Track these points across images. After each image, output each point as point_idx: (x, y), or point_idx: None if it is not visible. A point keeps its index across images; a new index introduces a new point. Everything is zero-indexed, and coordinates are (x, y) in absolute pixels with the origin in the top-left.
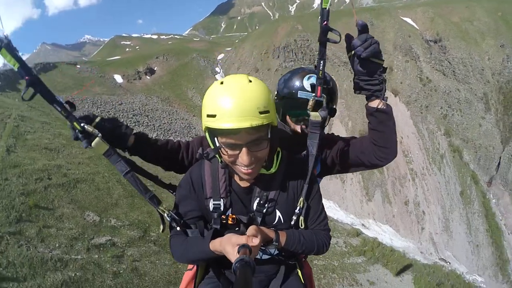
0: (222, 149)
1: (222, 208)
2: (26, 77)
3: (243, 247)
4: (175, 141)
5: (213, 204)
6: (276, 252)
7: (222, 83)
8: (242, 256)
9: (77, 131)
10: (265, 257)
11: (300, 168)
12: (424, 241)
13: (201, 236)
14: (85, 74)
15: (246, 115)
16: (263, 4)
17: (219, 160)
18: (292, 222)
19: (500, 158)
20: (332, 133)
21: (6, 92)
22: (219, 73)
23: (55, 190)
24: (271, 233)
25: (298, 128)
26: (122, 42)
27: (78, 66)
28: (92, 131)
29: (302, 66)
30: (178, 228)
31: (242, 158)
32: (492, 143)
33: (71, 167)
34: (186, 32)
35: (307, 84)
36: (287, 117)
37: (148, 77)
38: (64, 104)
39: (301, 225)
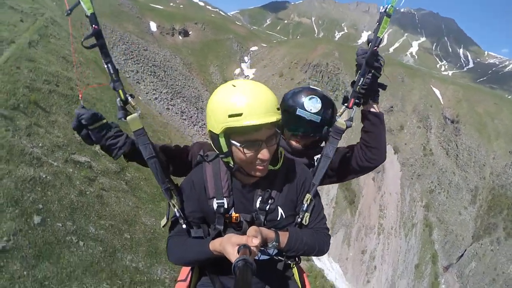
0: (239, 149)
1: (226, 207)
2: (94, 26)
3: (243, 247)
4: (172, 146)
5: (217, 203)
6: (275, 252)
7: (234, 86)
8: (243, 256)
9: (119, 99)
10: (263, 257)
11: (300, 167)
12: None
13: (204, 236)
14: (125, 9)
15: (269, 111)
16: (313, 19)
17: (232, 164)
18: (299, 220)
19: (465, 250)
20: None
21: None
22: (246, 62)
23: (58, 97)
24: (271, 234)
25: (293, 142)
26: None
27: None
28: (134, 106)
29: (316, 87)
30: (184, 226)
31: (263, 154)
32: (464, 234)
33: (80, 84)
34: (231, 13)
35: (308, 104)
36: (285, 129)
37: (181, 38)
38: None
39: (305, 222)
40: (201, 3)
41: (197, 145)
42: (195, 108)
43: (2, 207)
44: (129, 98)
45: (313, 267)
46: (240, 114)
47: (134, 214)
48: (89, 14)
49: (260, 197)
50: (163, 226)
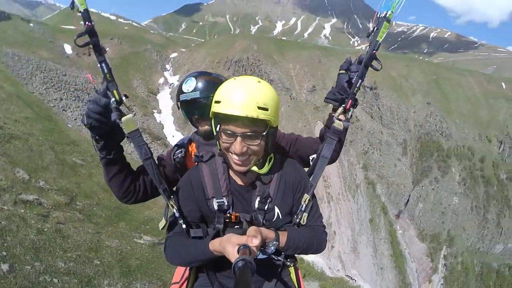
0: (221, 134)
1: (225, 206)
2: (88, 23)
3: (243, 247)
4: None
5: (217, 202)
6: (273, 251)
7: (235, 79)
8: (243, 256)
9: (113, 100)
10: (261, 257)
11: (295, 167)
12: (333, 258)
13: (203, 237)
14: (37, 35)
15: (244, 105)
16: (227, 17)
17: (218, 147)
18: (297, 220)
19: (409, 196)
20: (291, 132)
21: None
22: (169, 70)
23: None
24: (270, 234)
25: (205, 127)
26: (78, 14)
27: (31, 24)
28: (129, 107)
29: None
30: (183, 226)
31: (235, 147)
32: (404, 182)
33: (7, 121)
34: (145, 22)
35: (184, 87)
36: (192, 120)
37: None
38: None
39: (303, 222)
40: (113, 17)
41: (167, 154)
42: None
43: None
44: (124, 99)
45: None
46: (219, 102)
47: (97, 240)
48: (82, 10)
49: (258, 197)
50: (161, 228)
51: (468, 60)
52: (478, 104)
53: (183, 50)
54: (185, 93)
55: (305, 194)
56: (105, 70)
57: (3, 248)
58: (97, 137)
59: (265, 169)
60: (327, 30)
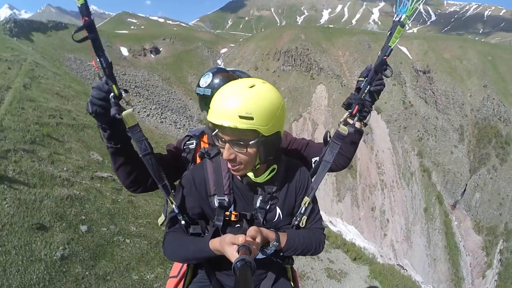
0: (215, 138)
1: (226, 203)
2: (86, 18)
3: (243, 247)
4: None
5: (218, 199)
6: (271, 252)
7: (228, 84)
8: (242, 256)
9: (112, 95)
10: (259, 256)
11: (300, 169)
12: (385, 246)
13: (202, 234)
14: None
15: (224, 114)
16: (272, 10)
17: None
18: (296, 222)
19: (466, 185)
20: (296, 137)
21: (20, 39)
22: (220, 65)
23: (65, 128)
24: (271, 234)
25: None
26: (128, 19)
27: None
28: (128, 101)
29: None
30: (183, 222)
31: (224, 153)
32: (461, 170)
33: (79, 114)
34: (192, 22)
35: (201, 81)
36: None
37: (153, 56)
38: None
39: (302, 225)
40: (161, 20)
41: (178, 142)
42: (185, 117)
43: (50, 223)
44: (123, 93)
45: (330, 232)
46: (210, 108)
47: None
48: (79, 5)
49: (261, 197)
50: (160, 224)
51: None
52: None
53: (232, 45)
54: (200, 87)
55: (306, 197)
56: (104, 65)
57: (82, 213)
58: (103, 125)
59: (261, 179)
60: (375, 15)
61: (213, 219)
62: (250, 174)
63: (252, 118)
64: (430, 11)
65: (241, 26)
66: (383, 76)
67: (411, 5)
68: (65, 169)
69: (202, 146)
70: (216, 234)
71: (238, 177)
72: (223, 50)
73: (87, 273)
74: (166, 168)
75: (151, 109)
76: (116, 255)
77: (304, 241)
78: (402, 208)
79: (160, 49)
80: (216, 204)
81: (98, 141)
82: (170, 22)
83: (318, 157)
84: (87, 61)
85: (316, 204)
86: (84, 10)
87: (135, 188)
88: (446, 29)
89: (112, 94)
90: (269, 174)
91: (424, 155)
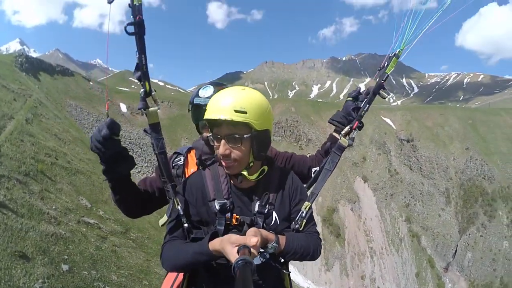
0: (212, 139)
1: (227, 207)
2: (139, 16)
3: (243, 247)
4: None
5: (219, 203)
6: (270, 252)
7: (226, 88)
8: (243, 256)
9: (142, 90)
10: (257, 262)
11: (292, 175)
12: None
13: (204, 238)
14: (96, 92)
15: (220, 109)
16: (266, 83)
17: (215, 152)
18: (297, 226)
19: (457, 246)
20: (280, 151)
21: (29, 76)
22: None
23: (59, 169)
24: (270, 235)
25: (206, 133)
26: (130, 78)
27: (91, 83)
28: (156, 100)
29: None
30: (186, 225)
31: (219, 149)
32: (450, 232)
33: (74, 158)
34: (190, 89)
35: (201, 92)
36: (199, 126)
37: None
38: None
39: (301, 228)
40: (161, 83)
41: (143, 181)
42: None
43: (32, 254)
44: (153, 92)
45: None
46: (206, 109)
47: (147, 266)
48: (137, 3)
49: (259, 201)
50: (162, 225)
51: (505, 99)
52: None
53: None
54: (200, 97)
55: (306, 202)
56: (143, 61)
57: (65, 253)
58: (100, 161)
59: (253, 177)
60: (362, 90)
61: (213, 224)
62: (244, 172)
63: (246, 112)
64: (413, 84)
65: None
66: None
67: (405, 41)
68: (53, 207)
69: (189, 162)
70: (215, 237)
71: (235, 178)
72: None
73: None
74: (157, 191)
75: (142, 166)
76: None
77: (303, 244)
78: (393, 274)
79: (158, 110)
80: (217, 207)
81: (89, 188)
82: (169, 86)
83: (318, 167)
84: (87, 110)
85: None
86: (140, 9)
87: (134, 215)
88: (428, 99)
89: (142, 90)
90: (260, 173)
91: (412, 220)
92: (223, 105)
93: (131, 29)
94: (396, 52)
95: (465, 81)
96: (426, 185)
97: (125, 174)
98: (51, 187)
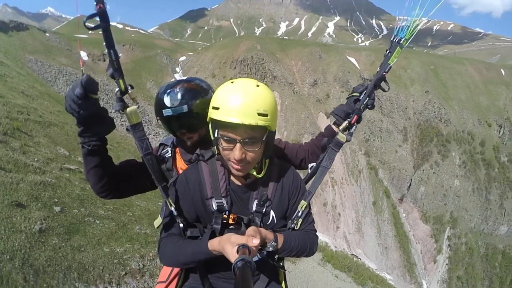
0: (219, 140)
1: (225, 207)
2: (100, 5)
3: (243, 247)
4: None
5: (217, 202)
6: (268, 250)
7: (232, 82)
8: (243, 256)
9: (117, 89)
10: (254, 258)
11: (292, 173)
12: (338, 238)
13: (200, 236)
14: (53, 43)
15: (245, 113)
16: (231, 20)
17: (216, 152)
18: (292, 225)
19: (411, 180)
20: (279, 138)
21: None
22: (179, 72)
23: (33, 124)
24: (269, 234)
25: (186, 139)
26: (86, 24)
27: (47, 34)
28: (134, 98)
29: (181, 78)
30: (181, 225)
31: (234, 153)
32: (405, 167)
33: (45, 112)
34: (151, 30)
35: (167, 100)
36: (175, 132)
37: None
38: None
39: (297, 227)
40: (120, 26)
41: (126, 161)
42: (144, 122)
43: (27, 202)
44: (129, 89)
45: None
46: (218, 108)
47: (129, 200)
48: None
49: (256, 200)
50: (157, 227)
51: (472, 50)
52: (477, 91)
53: (191, 53)
54: (169, 107)
55: (303, 201)
56: (113, 57)
57: (55, 197)
58: (77, 123)
59: (261, 174)
60: (330, 29)
61: (210, 223)
62: (254, 172)
63: (267, 115)
64: (383, 26)
65: (200, 35)
66: (381, 90)
67: (409, 31)
68: (35, 159)
69: (177, 156)
70: (213, 236)
71: (237, 177)
72: (181, 58)
73: (63, 244)
74: (136, 175)
75: (111, 112)
76: (88, 232)
77: (300, 242)
78: (352, 202)
79: (120, 55)
80: (215, 207)
81: (64, 138)
82: (129, 28)
83: (314, 163)
84: (47, 63)
85: (309, 207)
86: None
87: (105, 193)
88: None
89: (117, 89)
90: (265, 167)
91: (371, 154)
92: (245, 107)
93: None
94: (401, 41)
95: (434, 28)
96: (385, 122)
97: (102, 137)
98: (30, 142)
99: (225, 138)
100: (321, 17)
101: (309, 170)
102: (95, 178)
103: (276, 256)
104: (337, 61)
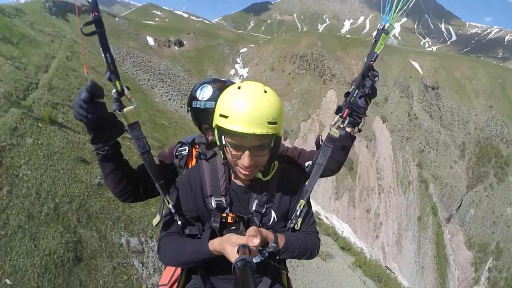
0: (226, 147)
1: (224, 205)
2: (95, 13)
3: (243, 247)
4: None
5: (216, 201)
6: (267, 255)
7: (239, 88)
8: (243, 256)
9: (114, 91)
10: (256, 260)
11: (295, 174)
12: (376, 247)
13: (199, 235)
14: (122, 28)
15: (255, 122)
16: (295, 15)
17: (222, 157)
18: (292, 225)
19: (462, 200)
20: (294, 146)
21: (58, 18)
22: (239, 63)
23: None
24: (270, 235)
25: (208, 135)
26: (153, 11)
27: (117, 19)
28: (130, 98)
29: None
30: (179, 223)
31: (243, 160)
32: (458, 185)
33: (112, 87)
34: (215, 20)
35: (199, 93)
36: (201, 126)
37: (177, 48)
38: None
39: (297, 227)
40: (185, 15)
41: (170, 151)
42: None
43: (90, 160)
44: (126, 90)
45: (323, 224)
46: (226, 117)
47: None
48: (89, 1)
49: (257, 200)
50: (155, 225)
51: None
52: None
53: (252, 45)
54: (199, 100)
55: (301, 200)
56: (109, 60)
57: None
58: (88, 130)
59: (268, 177)
60: (396, 30)
61: (209, 221)
62: (259, 175)
63: (276, 123)
64: (452, 31)
65: (262, 28)
66: (374, 82)
67: (393, 14)
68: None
69: (194, 154)
70: (212, 235)
71: (237, 177)
72: (243, 50)
73: (116, 198)
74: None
75: (172, 94)
76: None
77: (301, 244)
78: (396, 213)
79: (184, 42)
80: (214, 205)
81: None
82: (193, 18)
83: (311, 161)
84: (116, 45)
85: (310, 208)
86: (94, 5)
87: (125, 197)
88: (465, 50)
89: (114, 90)
90: (272, 170)
91: (424, 166)
92: (255, 118)
93: (88, 29)
94: (385, 27)
95: (506, 38)
96: (443, 135)
97: (114, 142)
98: None
99: (233, 145)
100: None
101: (306, 169)
102: (114, 183)
103: (278, 258)
104: (399, 64)
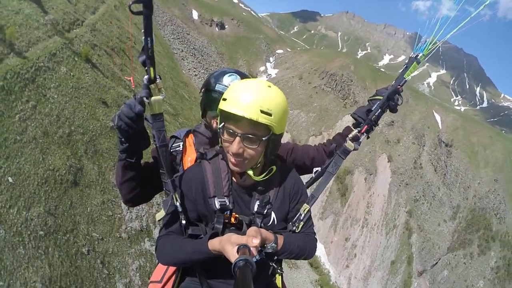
0: (223, 131)
1: (228, 206)
2: None
3: (243, 247)
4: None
5: (219, 201)
6: (264, 255)
7: (247, 80)
8: (242, 256)
9: (146, 77)
10: (254, 260)
11: (294, 176)
12: (343, 276)
13: (202, 236)
14: None
15: (248, 107)
16: (339, 34)
17: (220, 144)
18: (294, 228)
19: (439, 259)
20: (287, 142)
21: None
22: (271, 62)
23: (136, 52)
24: (269, 235)
25: (214, 123)
26: (132, 7)
27: None
28: (160, 89)
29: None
30: (183, 222)
31: (232, 146)
32: (440, 244)
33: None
34: (262, 14)
35: (226, 79)
36: (207, 112)
37: (217, 29)
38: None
39: (297, 230)
40: (235, 0)
41: (155, 150)
42: None
43: (111, 104)
44: (158, 79)
45: None
46: (225, 99)
47: None
48: None
49: (258, 201)
50: (158, 220)
51: None
52: None
53: (289, 50)
54: (224, 85)
55: (305, 204)
56: (149, 45)
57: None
58: (122, 139)
59: (261, 177)
60: (432, 79)
61: (212, 222)
62: (250, 172)
63: (271, 115)
64: (485, 97)
65: (304, 36)
66: (396, 105)
67: (428, 46)
68: (128, 79)
69: (187, 148)
70: (214, 236)
71: (237, 175)
72: (279, 51)
73: None
74: (153, 177)
75: (200, 71)
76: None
77: (299, 245)
78: (373, 251)
79: (226, 26)
80: (218, 206)
81: (158, 69)
82: (242, 5)
83: (319, 168)
84: (162, 9)
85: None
86: None
87: (132, 203)
88: (491, 119)
89: (146, 76)
90: (268, 174)
91: (413, 215)
92: (249, 102)
93: (135, 8)
94: (418, 56)
95: None
96: (442, 192)
97: (140, 153)
98: (128, 64)
99: (228, 130)
100: (427, 64)
101: (313, 175)
102: (128, 190)
103: (275, 258)
104: (422, 112)
